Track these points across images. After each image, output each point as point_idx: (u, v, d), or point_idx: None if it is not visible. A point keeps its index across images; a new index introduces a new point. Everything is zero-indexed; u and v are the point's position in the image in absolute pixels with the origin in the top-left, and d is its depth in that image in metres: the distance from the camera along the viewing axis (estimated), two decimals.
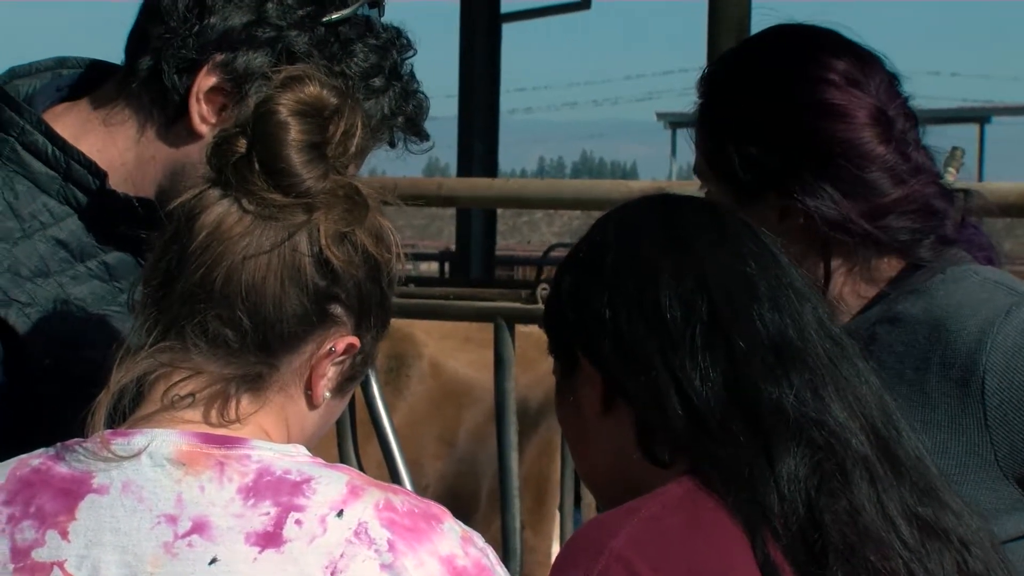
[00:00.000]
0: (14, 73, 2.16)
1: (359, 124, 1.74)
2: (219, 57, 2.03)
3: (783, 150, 2.17)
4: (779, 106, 2.18)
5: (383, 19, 2.13)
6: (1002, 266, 2.28)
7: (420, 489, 5.31)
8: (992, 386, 2.05)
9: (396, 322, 5.39)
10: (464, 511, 5.41)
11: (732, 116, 2.21)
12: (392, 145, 2.12)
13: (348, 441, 4.48)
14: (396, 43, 2.11)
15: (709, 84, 2.27)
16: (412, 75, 2.13)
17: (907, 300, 2.15)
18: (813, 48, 2.22)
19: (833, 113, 2.17)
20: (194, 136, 2.06)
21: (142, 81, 2.06)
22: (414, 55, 2.14)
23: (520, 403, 5.61)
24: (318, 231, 1.70)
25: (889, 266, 2.19)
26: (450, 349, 5.85)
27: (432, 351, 5.86)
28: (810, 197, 2.15)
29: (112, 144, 2.09)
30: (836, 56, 2.20)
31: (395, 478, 4.28)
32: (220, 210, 1.70)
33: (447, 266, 16.15)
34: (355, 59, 2.06)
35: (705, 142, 2.25)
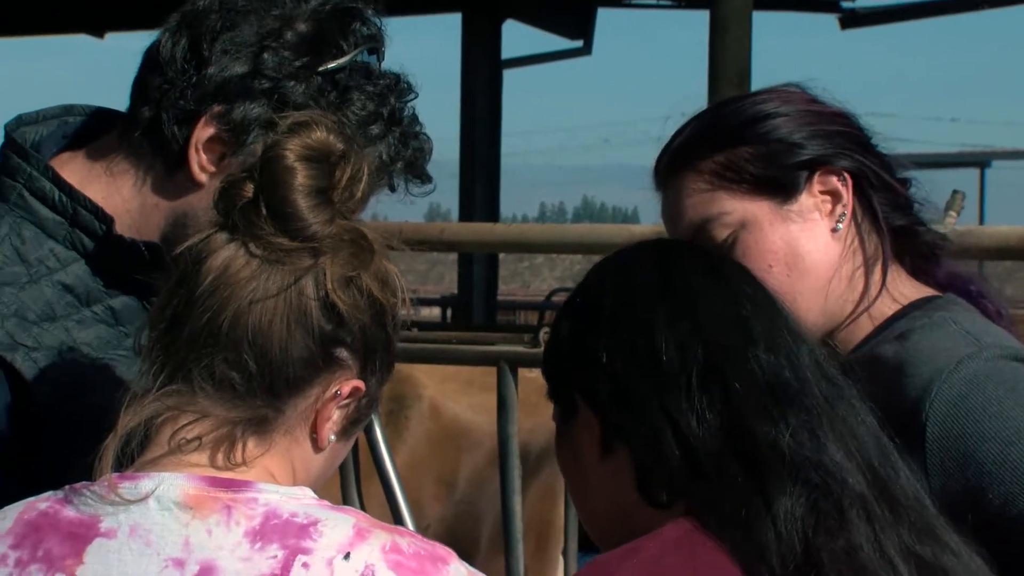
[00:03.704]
0: (21, 120, 2.18)
1: (365, 169, 1.75)
2: (217, 108, 2.04)
3: (821, 136, 2.17)
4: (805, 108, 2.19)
5: (383, 65, 2.13)
6: (1000, 314, 2.25)
7: (421, 530, 5.27)
8: (933, 434, 2.03)
9: (397, 364, 5.39)
10: (464, 554, 5.37)
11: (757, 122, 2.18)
12: (392, 189, 2.12)
13: (351, 482, 4.47)
14: (395, 89, 2.11)
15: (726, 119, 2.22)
16: (413, 118, 2.13)
17: (889, 344, 2.14)
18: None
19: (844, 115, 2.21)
20: (195, 185, 2.07)
21: (143, 131, 2.08)
22: (415, 99, 2.14)
23: (522, 448, 5.59)
24: (324, 275, 1.71)
25: (915, 288, 2.20)
26: (450, 392, 5.83)
27: (432, 393, 5.83)
28: (855, 163, 2.17)
29: (116, 192, 2.10)
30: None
31: (397, 520, 4.28)
32: (227, 254, 1.71)
33: (449, 311, 16.14)
34: (353, 107, 2.06)
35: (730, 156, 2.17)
